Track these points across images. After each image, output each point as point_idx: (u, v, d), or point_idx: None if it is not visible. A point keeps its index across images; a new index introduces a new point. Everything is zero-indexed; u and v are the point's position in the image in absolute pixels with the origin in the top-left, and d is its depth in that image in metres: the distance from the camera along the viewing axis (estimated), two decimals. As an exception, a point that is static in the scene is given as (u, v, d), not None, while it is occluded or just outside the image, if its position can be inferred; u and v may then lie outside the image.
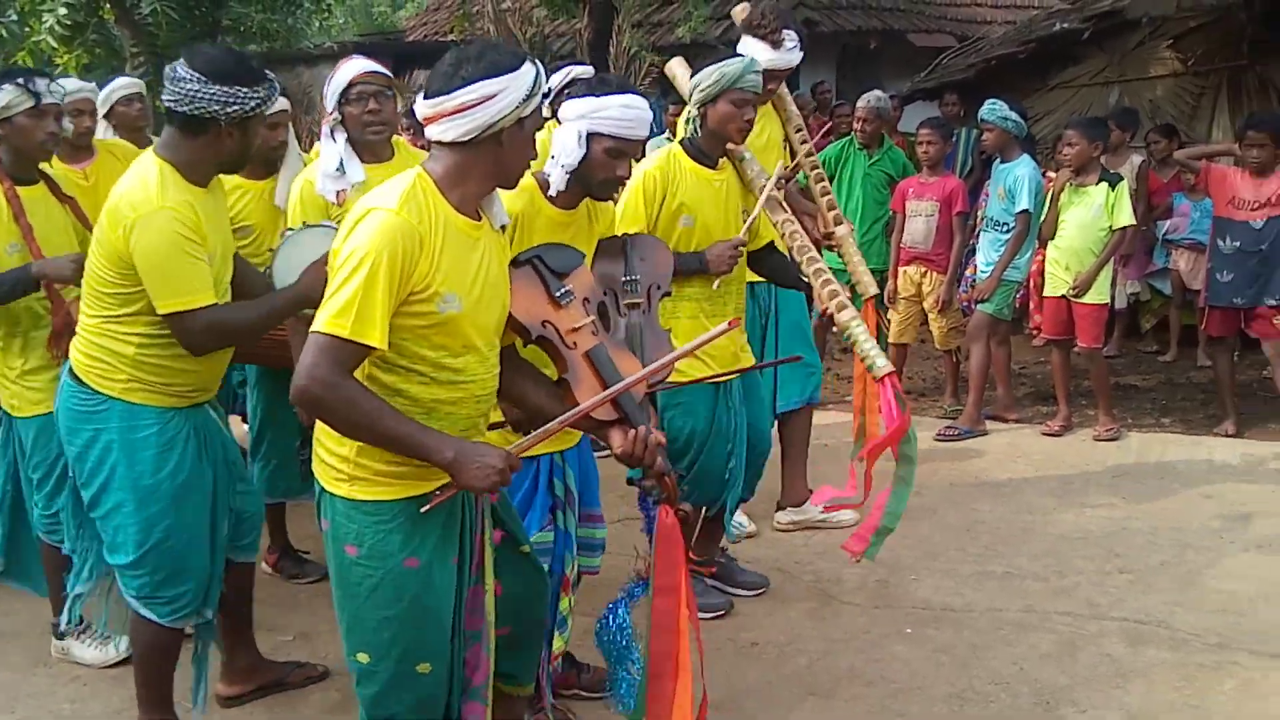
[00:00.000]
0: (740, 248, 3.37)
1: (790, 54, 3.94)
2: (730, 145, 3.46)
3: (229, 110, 2.53)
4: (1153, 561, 3.97)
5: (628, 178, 2.77)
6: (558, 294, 2.34)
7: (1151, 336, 7.19)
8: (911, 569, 4.04)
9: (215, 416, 2.89)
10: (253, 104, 2.57)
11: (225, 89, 2.52)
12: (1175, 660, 3.27)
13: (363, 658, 2.19)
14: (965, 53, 8.94)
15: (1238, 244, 5.27)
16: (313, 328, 2.02)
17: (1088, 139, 5.33)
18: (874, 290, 3.89)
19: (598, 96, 2.63)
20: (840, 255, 3.93)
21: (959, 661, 3.34)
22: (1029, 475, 5.02)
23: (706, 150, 3.43)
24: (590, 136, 2.62)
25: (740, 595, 3.80)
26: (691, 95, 3.39)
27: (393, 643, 2.16)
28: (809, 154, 4.20)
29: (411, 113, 3.20)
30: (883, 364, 3.32)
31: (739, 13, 4.20)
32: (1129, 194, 5.53)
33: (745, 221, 3.45)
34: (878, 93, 6.51)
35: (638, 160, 2.98)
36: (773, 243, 3.66)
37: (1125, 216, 5.32)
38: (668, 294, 2.90)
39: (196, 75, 2.52)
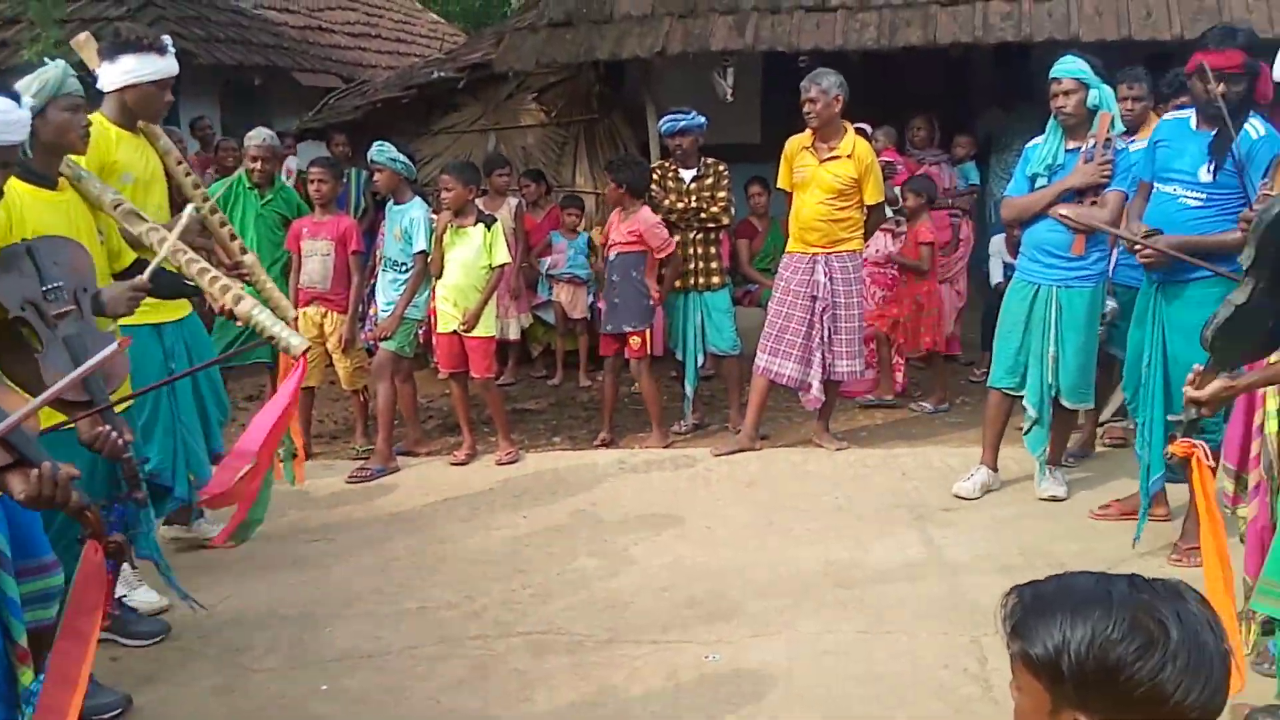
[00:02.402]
0: (141, 291, 3.06)
1: (173, 59, 3.81)
2: (68, 164, 3.19)
3: None
4: (551, 572, 4.29)
5: None
6: None
7: (540, 362, 7.84)
8: (327, 620, 3.93)
9: None
10: None
11: None
12: (573, 662, 3.55)
13: None
14: (351, 94, 9.05)
15: (611, 277, 5.98)
16: None
17: (462, 183, 5.63)
18: (292, 313, 4.20)
19: None
20: (252, 285, 3.98)
21: (377, 708, 3.30)
22: (440, 506, 5.16)
23: (41, 170, 3.07)
24: None
25: (136, 645, 3.67)
26: None
27: None
28: (196, 185, 4.13)
29: None
30: (298, 342, 3.49)
31: (80, 42, 3.87)
32: (509, 233, 5.98)
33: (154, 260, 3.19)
34: (267, 130, 6.32)
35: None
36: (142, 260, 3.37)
37: (502, 255, 5.71)
38: (98, 294, 2.71)
39: None
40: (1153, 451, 4.13)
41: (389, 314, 5.69)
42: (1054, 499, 4.82)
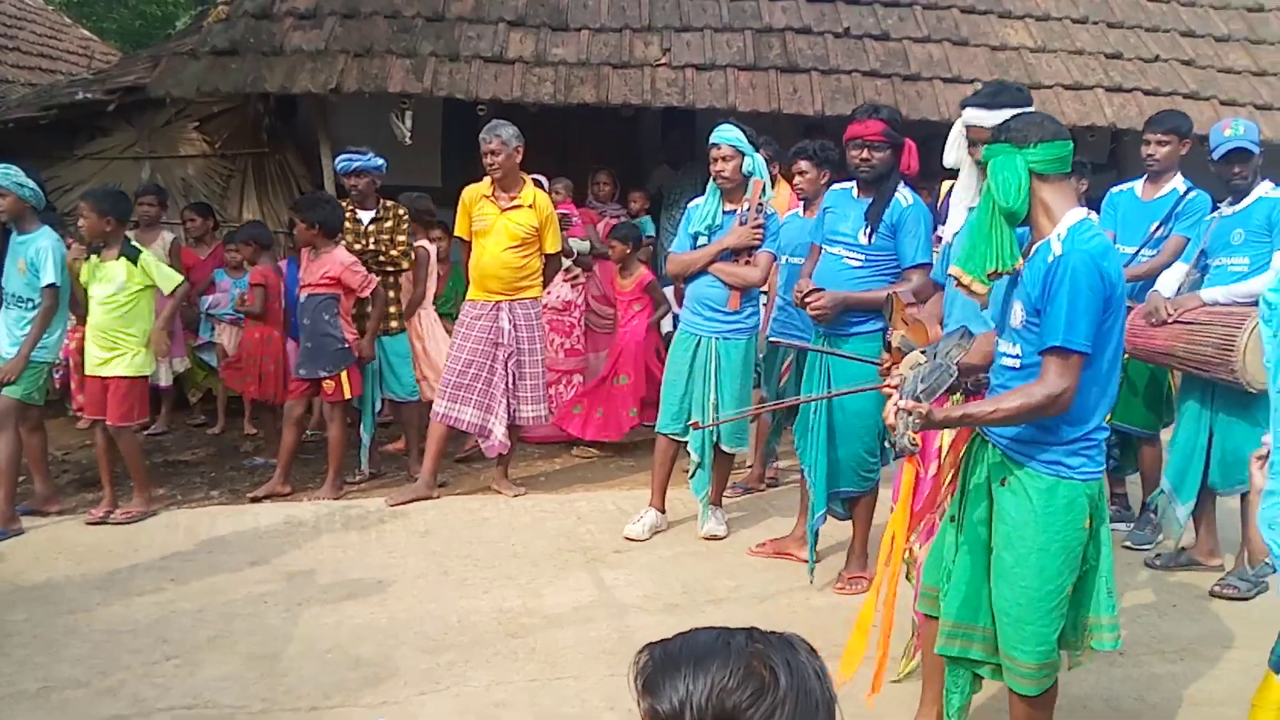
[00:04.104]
0: None
1: None
2: None
3: None
4: (200, 639, 3.94)
5: None
6: None
7: (199, 409, 7.28)
8: (-80, 713, 3.38)
9: None
10: None
11: None
12: (222, 737, 3.27)
13: None
14: (-20, 110, 8.05)
15: (302, 320, 5.69)
16: None
17: (98, 213, 5.12)
18: None
19: None
20: None
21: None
22: (72, 571, 4.61)
23: None
24: None
25: None
26: None
27: None
28: None
29: None
30: None
31: None
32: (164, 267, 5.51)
33: None
34: None
35: None
36: None
37: (167, 278, 5.26)
38: None
39: None
40: (817, 491, 4.43)
41: (14, 356, 5.06)
42: (715, 537, 5.09)
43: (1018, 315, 2.79)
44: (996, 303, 2.98)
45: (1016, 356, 2.81)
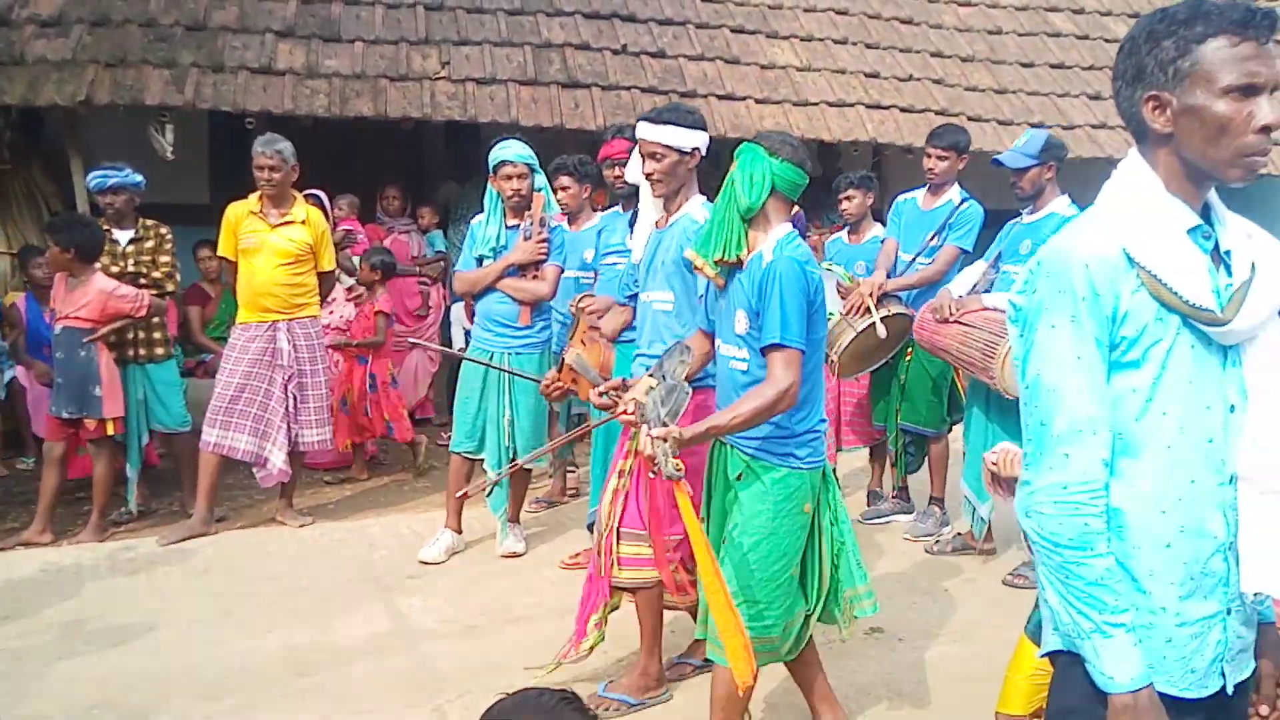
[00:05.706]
0: None
1: None
2: None
3: None
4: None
5: None
6: None
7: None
8: None
9: None
10: None
11: None
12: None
13: None
14: None
15: (56, 354, 5.27)
16: None
17: None
18: None
19: None
20: None
21: None
22: None
23: None
24: None
25: None
26: None
27: None
28: None
29: None
30: None
31: None
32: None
33: None
34: None
35: None
36: None
37: None
38: None
39: None
40: (594, 484, 4.55)
41: None
42: (514, 555, 5.04)
43: (741, 323, 2.99)
44: (719, 308, 3.13)
45: (745, 360, 3.01)
